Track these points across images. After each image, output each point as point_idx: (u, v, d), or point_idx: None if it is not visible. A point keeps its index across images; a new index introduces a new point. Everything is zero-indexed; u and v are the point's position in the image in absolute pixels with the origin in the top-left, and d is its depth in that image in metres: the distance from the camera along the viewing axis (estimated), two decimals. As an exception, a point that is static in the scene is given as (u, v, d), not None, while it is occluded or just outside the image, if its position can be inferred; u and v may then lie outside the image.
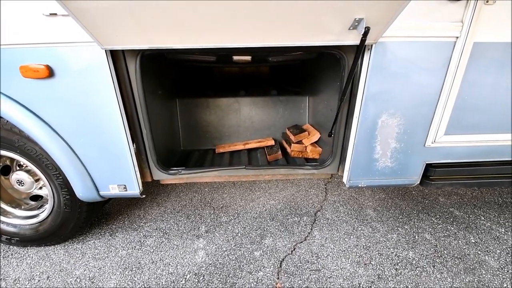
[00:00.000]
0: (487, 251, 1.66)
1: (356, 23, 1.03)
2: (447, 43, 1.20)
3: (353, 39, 1.11)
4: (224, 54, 1.58)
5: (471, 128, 1.40)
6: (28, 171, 1.61)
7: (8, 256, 1.67)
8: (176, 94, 2.13)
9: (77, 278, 1.51)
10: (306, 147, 1.91)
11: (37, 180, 1.65)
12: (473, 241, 1.74)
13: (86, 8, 0.91)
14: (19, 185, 1.63)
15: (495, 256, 1.62)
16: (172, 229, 1.88)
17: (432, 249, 1.67)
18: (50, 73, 1.18)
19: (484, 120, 1.38)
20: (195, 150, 2.16)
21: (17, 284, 1.48)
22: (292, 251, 1.67)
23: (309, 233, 1.83)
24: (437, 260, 1.59)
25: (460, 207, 2.08)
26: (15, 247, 1.73)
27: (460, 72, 1.26)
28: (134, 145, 1.43)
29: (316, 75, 2.00)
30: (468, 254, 1.64)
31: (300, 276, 1.50)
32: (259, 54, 1.63)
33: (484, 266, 1.55)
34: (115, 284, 1.46)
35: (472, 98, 1.32)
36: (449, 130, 1.39)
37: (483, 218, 1.96)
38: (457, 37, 1.19)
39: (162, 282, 1.47)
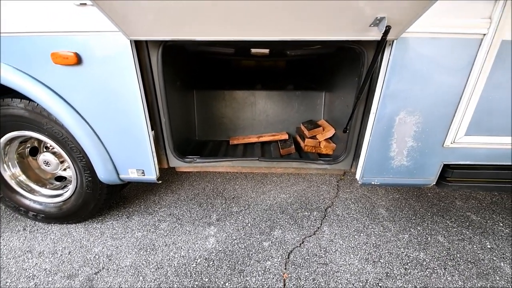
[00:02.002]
0: (503, 257, 1.61)
1: (378, 21, 1.02)
2: (473, 41, 1.16)
3: (373, 35, 1.09)
4: (243, 47, 1.60)
5: (494, 129, 1.35)
6: (54, 153, 1.72)
7: (34, 231, 1.80)
8: (194, 86, 2.18)
9: (96, 255, 1.61)
10: (320, 142, 1.91)
11: (62, 162, 1.75)
12: (489, 246, 1.69)
13: (115, 3, 0.95)
14: (45, 165, 1.74)
15: (512, 263, 1.57)
16: (184, 215, 1.94)
17: (444, 252, 1.64)
18: (78, 60, 1.25)
19: (508, 122, 1.33)
20: (209, 140, 2.21)
21: (41, 257, 1.60)
22: (300, 244, 1.69)
23: (318, 228, 1.84)
24: (449, 263, 1.57)
25: (478, 211, 2.02)
26: (40, 223, 1.86)
27: (485, 71, 1.21)
28: (153, 132, 1.49)
29: (333, 70, 1.98)
30: (482, 259, 1.60)
31: (307, 269, 1.52)
32: (277, 47, 1.64)
33: (499, 272, 1.51)
34: (131, 263, 1.55)
35: (497, 98, 1.27)
36: (470, 130, 1.35)
37: (501, 224, 1.89)
38: (484, 34, 1.14)
39: (174, 264, 1.54)
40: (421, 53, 1.20)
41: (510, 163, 1.45)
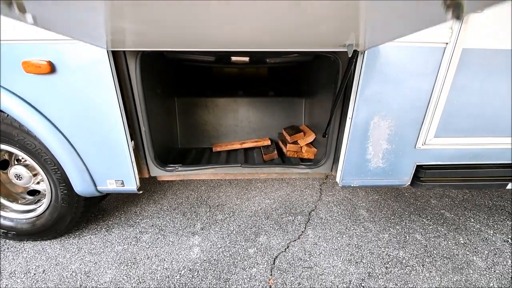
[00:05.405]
0: (475, 251, 1.70)
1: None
2: (437, 49, 1.25)
3: (346, 48, 1.15)
4: (223, 55, 1.62)
5: (460, 131, 1.45)
6: (27, 166, 1.63)
7: (5, 249, 1.68)
8: (175, 93, 2.16)
9: (72, 272, 1.53)
10: (301, 147, 1.95)
11: (35, 175, 1.66)
12: (462, 242, 1.78)
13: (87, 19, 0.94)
14: (17, 179, 1.64)
15: (483, 256, 1.66)
16: (168, 226, 1.90)
17: (422, 249, 1.71)
18: (52, 69, 1.21)
19: (473, 124, 1.43)
20: (192, 148, 2.19)
21: (13, 277, 1.49)
22: (285, 249, 1.70)
23: (302, 231, 1.86)
24: (426, 260, 1.63)
25: (451, 209, 2.13)
26: (11, 241, 1.75)
27: (449, 77, 1.30)
28: (133, 141, 1.46)
29: (312, 77, 2.05)
30: (457, 254, 1.68)
31: (292, 273, 1.53)
32: (257, 55, 1.67)
33: (472, 266, 1.60)
34: (111, 279, 1.48)
35: (461, 102, 1.37)
36: (439, 132, 1.44)
37: (473, 220, 2.00)
38: (447, 43, 1.23)
39: (157, 277, 1.49)
40: (391, 60, 1.27)
41: (478, 162, 1.55)
